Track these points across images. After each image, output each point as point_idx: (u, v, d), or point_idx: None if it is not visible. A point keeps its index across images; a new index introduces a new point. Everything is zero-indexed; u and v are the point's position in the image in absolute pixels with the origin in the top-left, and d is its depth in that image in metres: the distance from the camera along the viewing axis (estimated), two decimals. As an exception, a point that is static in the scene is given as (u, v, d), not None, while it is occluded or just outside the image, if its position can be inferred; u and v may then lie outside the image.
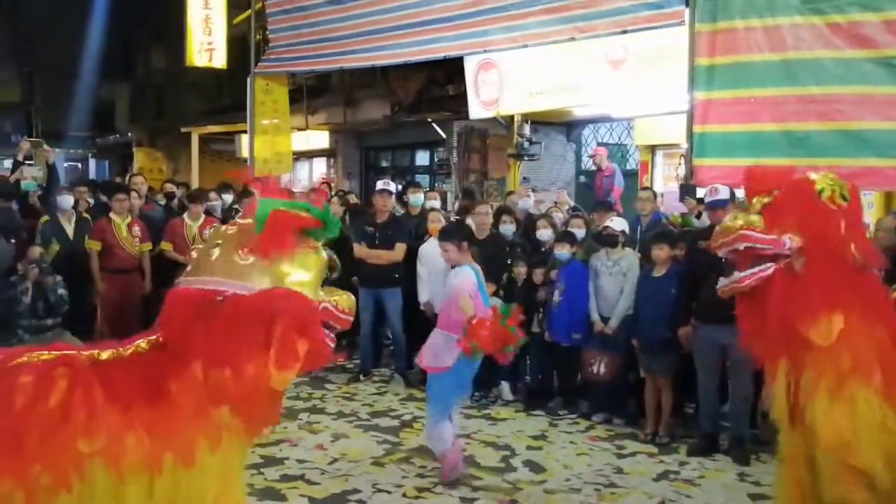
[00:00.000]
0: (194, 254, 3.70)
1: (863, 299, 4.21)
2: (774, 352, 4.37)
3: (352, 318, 3.65)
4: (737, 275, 4.36)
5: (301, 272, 3.44)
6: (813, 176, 4.29)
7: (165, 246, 9.56)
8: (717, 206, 6.84)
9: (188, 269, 3.58)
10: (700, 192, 8.81)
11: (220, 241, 3.50)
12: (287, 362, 3.24)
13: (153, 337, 3.38)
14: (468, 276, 6.13)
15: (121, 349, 3.33)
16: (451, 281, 6.24)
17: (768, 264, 4.23)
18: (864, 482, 4.07)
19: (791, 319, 4.15)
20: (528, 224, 9.38)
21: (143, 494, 3.11)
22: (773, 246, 4.21)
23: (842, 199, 4.21)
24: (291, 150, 16.12)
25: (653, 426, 7.22)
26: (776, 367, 4.39)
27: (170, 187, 12.34)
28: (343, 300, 3.61)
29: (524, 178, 14.64)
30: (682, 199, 8.86)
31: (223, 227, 3.69)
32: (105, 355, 3.27)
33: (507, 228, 8.84)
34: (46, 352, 3.26)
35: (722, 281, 4.55)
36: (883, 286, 4.47)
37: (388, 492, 5.82)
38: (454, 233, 6.56)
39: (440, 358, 6.08)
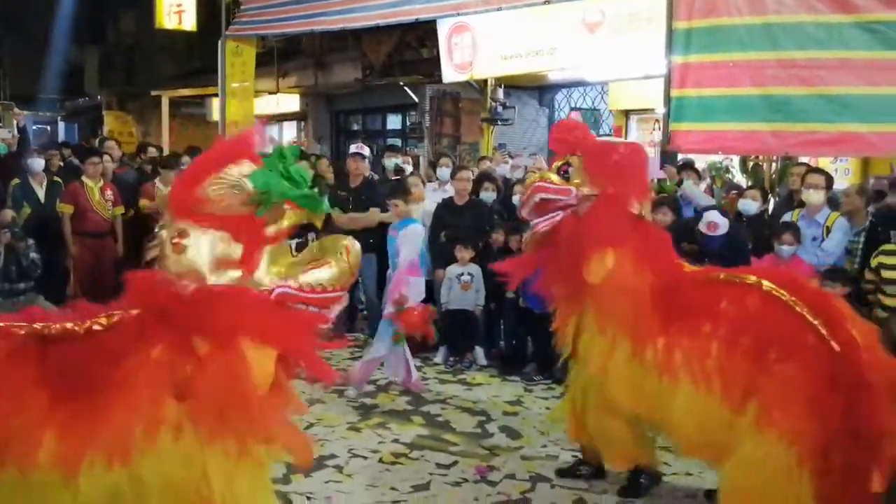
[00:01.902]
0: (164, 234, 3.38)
1: (636, 245, 4.59)
2: (565, 292, 4.88)
3: (332, 296, 3.32)
4: (533, 223, 4.87)
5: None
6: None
7: (143, 204, 9.44)
8: (713, 245, 6.79)
9: (157, 253, 3.33)
10: (681, 158, 8.81)
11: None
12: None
13: (115, 315, 3.16)
14: (420, 232, 6.77)
15: (76, 325, 3.09)
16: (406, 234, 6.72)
17: (559, 213, 4.76)
18: (612, 409, 4.62)
19: (571, 258, 4.63)
20: (505, 190, 9.31)
21: (66, 499, 2.92)
22: (562, 195, 4.71)
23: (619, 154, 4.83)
24: (254, 114, 15.94)
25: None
26: (567, 307, 4.93)
27: (152, 151, 12.19)
28: (321, 276, 3.28)
29: (500, 145, 14.56)
30: (661, 167, 8.80)
31: None
32: (55, 329, 3.05)
33: (489, 195, 8.78)
34: None
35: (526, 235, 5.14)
36: (662, 237, 4.86)
37: (364, 457, 5.77)
38: (398, 190, 7.05)
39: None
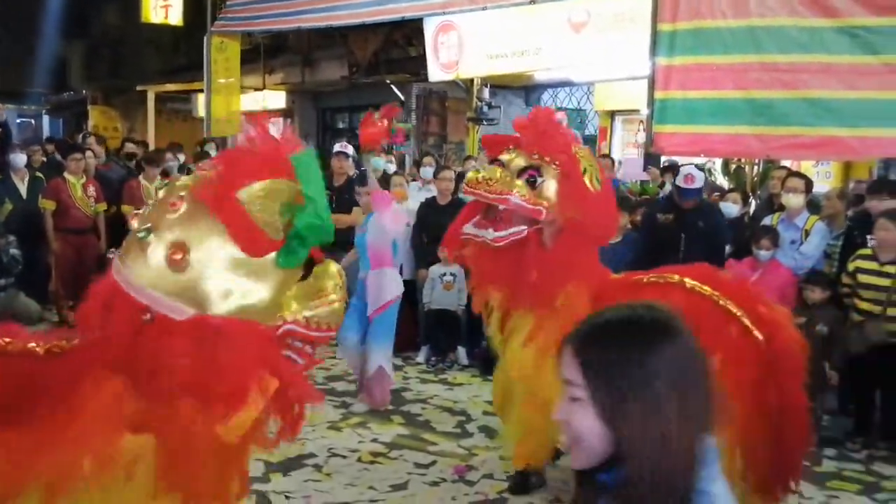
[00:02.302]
0: (128, 237, 2.74)
1: (589, 274, 4.61)
2: (515, 298, 4.72)
3: (331, 335, 2.93)
4: (491, 233, 4.53)
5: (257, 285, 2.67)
6: (580, 153, 4.53)
7: (127, 209, 9.35)
8: (687, 197, 6.80)
9: (121, 253, 2.72)
10: (664, 161, 8.83)
11: (150, 226, 2.65)
12: (234, 406, 2.60)
13: (75, 338, 2.75)
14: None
15: (38, 344, 2.73)
16: (381, 222, 6.46)
17: (523, 227, 4.45)
18: (542, 406, 4.42)
19: (532, 285, 4.45)
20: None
21: None
22: (534, 215, 4.42)
23: (597, 183, 4.50)
24: (240, 110, 15.89)
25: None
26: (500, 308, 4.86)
27: (130, 147, 12.08)
28: (323, 313, 2.87)
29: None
30: (645, 169, 8.82)
31: (159, 199, 2.81)
32: (11, 347, 2.69)
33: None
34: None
35: (469, 229, 4.69)
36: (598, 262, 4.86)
37: (344, 456, 5.77)
38: (365, 179, 6.95)
39: (382, 295, 6.32)
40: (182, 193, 2.65)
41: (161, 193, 2.81)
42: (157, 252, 2.59)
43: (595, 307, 4.33)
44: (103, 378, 2.58)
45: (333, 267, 3.07)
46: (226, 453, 2.72)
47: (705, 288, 4.21)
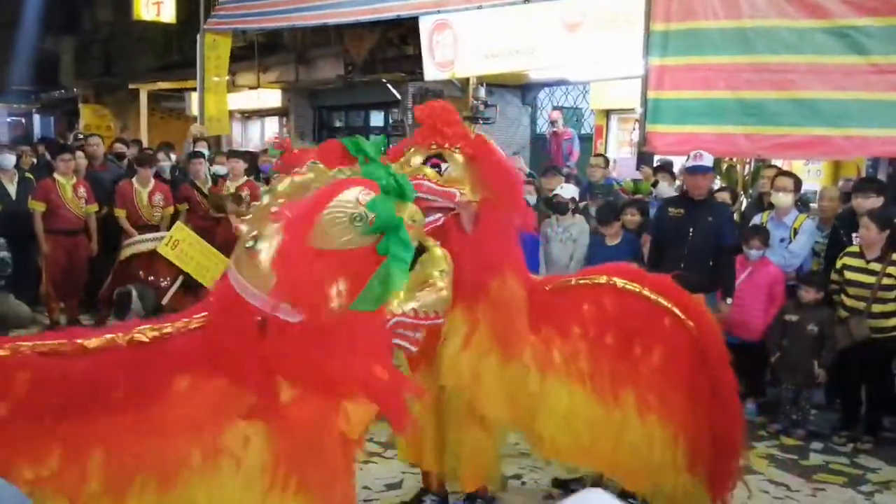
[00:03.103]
0: (238, 244, 2.92)
1: (519, 266, 4.36)
2: None
3: (439, 321, 3.13)
4: None
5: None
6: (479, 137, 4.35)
7: (119, 213, 9.32)
8: (697, 172, 6.75)
9: (234, 260, 2.91)
10: (657, 160, 8.84)
11: (256, 234, 2.84)
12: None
13: (186, 323, 2.89)
14: None
15: (118, 336, 2.81)
16: None
17: (438, 215, 4.12)
18: (481, 422, 4.36)
19: (469, 272, 4.02)
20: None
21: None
22: (446, 198, 4.12)
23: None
24: (227, 109, 15.89)
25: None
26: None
27: (119, 147, 12.01)
28: (430, 301, 3.10)
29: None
30: (638, 168, 8.86)
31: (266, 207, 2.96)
32: (94, 344, 2.74)
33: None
34: (30, 342, 2.74)
35: None
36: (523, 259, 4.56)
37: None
38: None
39: None
40: (282, 201, 2.85)
41: (265, 200, 2.95)
42: (265, 257, 2.76)
43: (534, 306, 4.30)
44: (208, 373, 2.71)
45: (438, 252, 3.23)
46: (346, 448, 2.89)
47: (634, 285, 4.25)
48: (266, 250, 2.76)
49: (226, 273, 2.91)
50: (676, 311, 4.12)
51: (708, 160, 6.78)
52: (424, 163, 4.17)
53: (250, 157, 10.97)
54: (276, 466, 2.75)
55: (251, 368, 2.74)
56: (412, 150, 4.28)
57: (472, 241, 4.13)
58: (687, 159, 7.00)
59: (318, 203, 2.80)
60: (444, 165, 4.16)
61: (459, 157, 4.18)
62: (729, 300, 6.60)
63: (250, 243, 2.77)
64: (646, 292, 4.18)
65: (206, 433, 2.70)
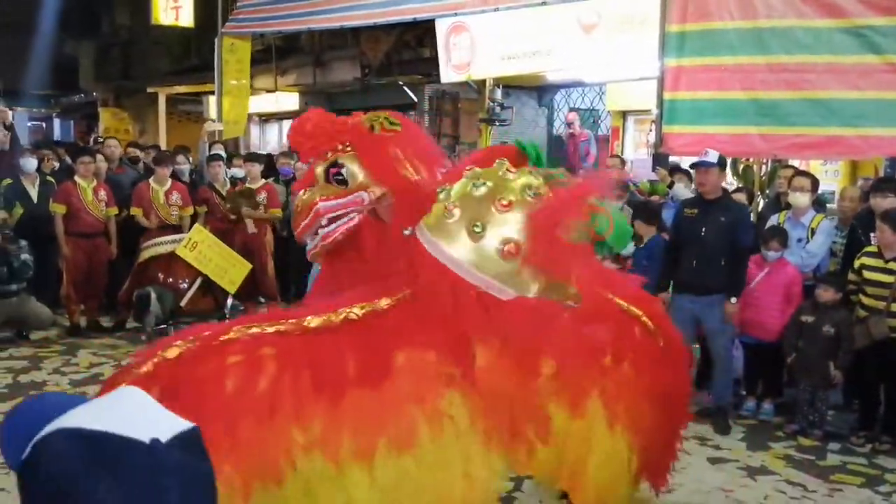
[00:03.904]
0: (449, 233, 3.18)
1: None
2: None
3: None
4: (320, 233, 3.77)
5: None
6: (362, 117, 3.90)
7: (135, 212, 9.42)
8: (700, 167, 6.78)
9: (441, 242, 3.17)
10: (673, 161, 8.83)
11: (482, 223, 3.14)
12: None
13: (392, 298, 3.16)
14: None
15: (332, 315, 3.06)
16: None
17: (351, 214, 3.76)
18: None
19: (386, 270, 3.68)
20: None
21: (365, 484, 2.89)
22: (354, 206, 3.73)
23: (392, 126, 3.82)
24: (247, 112, 15.99)
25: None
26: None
27: (133, 151, 12.11)
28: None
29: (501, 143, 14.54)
30: (654, 169, 8.86)
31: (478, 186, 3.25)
32: (315, 323, 3.01)
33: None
34: (256, 324, 2.97)
35: (310, 246, 3.89)
36: None
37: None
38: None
39: None
40: (512, 198, 3.16)
41: (483, 190, 3.24)
42: (490, 243, 3.12)
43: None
44: (422, 346, 3.05)
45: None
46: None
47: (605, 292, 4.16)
48: (494, 237, 3.12)
49: (421, 249, 3.20)
50: (646, 320, 4.02)
51: (712, 156, 6.78)
52: (326, 177, 3.74)
53: (267, 160, 11.03)
54: (477, 424, 3.10)
55: (457, 340, 3.07)
56: (316, 164, 3.86)
57: (395, 229, 3.68)
58: (687, 174, 7.02)
59: (566, 206, 3.21)
60: (343, 170, 3.73)
61: (352, 155, 3.74)
62: (734, 300, 6.59)
63: (478, 229, 3.10)
64: (616, 300, 4.01)
65: (427, 402, 3.02)
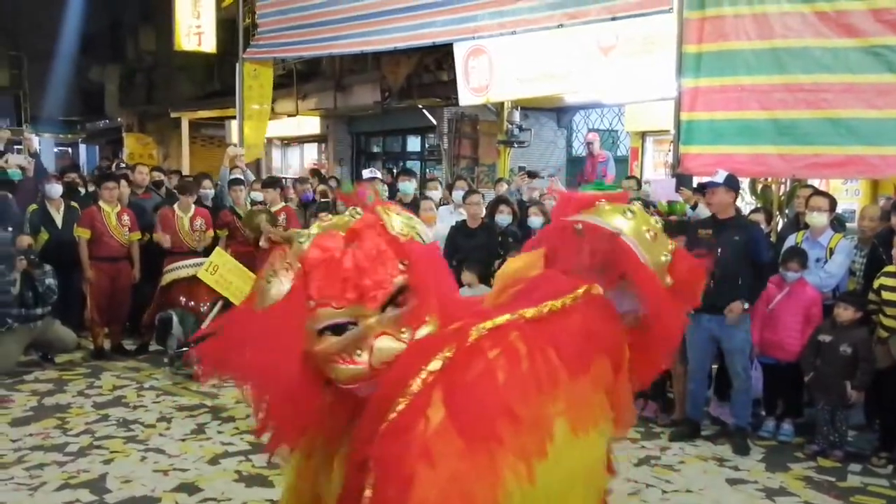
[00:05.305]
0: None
1: None
2: None
3: None
4: None
5: None
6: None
7: (158, 236, 9.50)
8: (708, 187, 6.83)
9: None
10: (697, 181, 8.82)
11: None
12: None
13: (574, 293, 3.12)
14: None
15: (541, 307, 3.05)
16: None
17: None
18: None
19: None
20: (521, 212, 9.39)
21: (577, 454, 2.95)
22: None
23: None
24: (265, 135, 16.18)
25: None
26: None
27: (158, 175, 12.23)
28: None
29: (520, 168, 14.59)
30: (677, 190, 8.85)
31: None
32: (530, 314, 3.00)
33: (504, 218, 8.88)
34: (481, 321, 2.88)
35: None
36: None
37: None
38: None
39: None
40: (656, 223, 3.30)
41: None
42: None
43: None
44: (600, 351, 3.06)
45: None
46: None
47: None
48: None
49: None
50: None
51: (719, 176, 6.81)
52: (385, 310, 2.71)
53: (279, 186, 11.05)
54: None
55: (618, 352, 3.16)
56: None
57: None
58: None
59: None
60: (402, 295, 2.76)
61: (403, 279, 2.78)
62: (746, 304, 6.60)
63: (665, 257, 3.26)
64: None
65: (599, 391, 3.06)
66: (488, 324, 2.84)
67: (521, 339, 2.84)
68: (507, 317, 2.91)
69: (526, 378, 2.79)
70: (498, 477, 2.64)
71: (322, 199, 11.25)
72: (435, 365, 2.73)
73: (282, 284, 2.68)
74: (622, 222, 3.26)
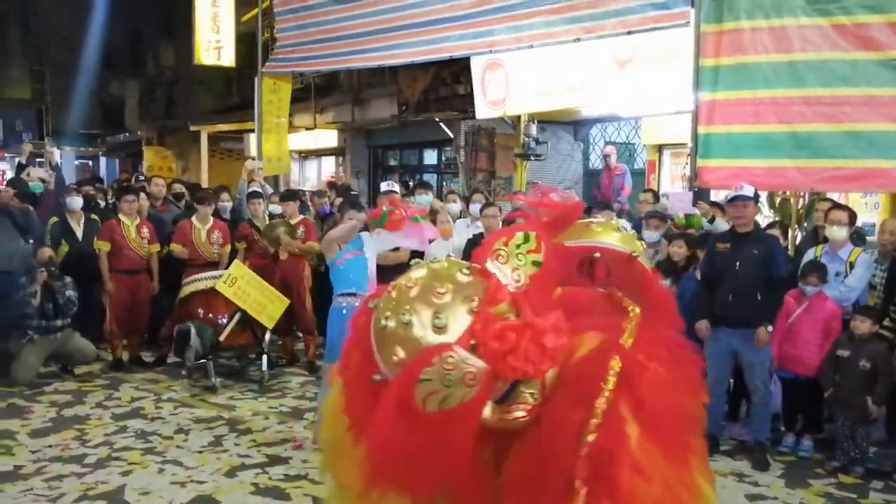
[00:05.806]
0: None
1: None
2: None
3: None
4: None
5: None
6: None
7: (174, 248, 9.57)
8: (737, 201, 6.74)
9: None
10: (715, 196, 8.81)
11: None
12: None
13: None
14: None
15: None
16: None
17: None
18: None
19: None
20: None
21: None
22: None
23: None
24: (288, 149, 16.23)
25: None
26: None
27: (178, 188, 12.32)
28: None
29: (533, 183, 14.56)
30: (695, 204, 8.83)
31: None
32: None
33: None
34: (598, 333, 2.84)
35: None
36: None
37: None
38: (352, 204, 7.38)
39: None
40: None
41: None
42: None
43: None
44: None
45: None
46: None
47: None
48: None
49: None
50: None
51: (748, 190, 6.77)
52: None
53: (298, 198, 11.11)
54: None
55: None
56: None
57: None
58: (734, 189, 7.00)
59: None
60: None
61: None
62: (770, 327, 6.54)
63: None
64: None
65: None
66: (595, 337, 2.79)
67: (650, 353, 2.80)
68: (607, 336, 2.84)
69: (680, 382, 2.78)
70: (694, 481, 2.65)
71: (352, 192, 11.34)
72: (611, 382, 2.69)
73: (425, 329, 2.34)
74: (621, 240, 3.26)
